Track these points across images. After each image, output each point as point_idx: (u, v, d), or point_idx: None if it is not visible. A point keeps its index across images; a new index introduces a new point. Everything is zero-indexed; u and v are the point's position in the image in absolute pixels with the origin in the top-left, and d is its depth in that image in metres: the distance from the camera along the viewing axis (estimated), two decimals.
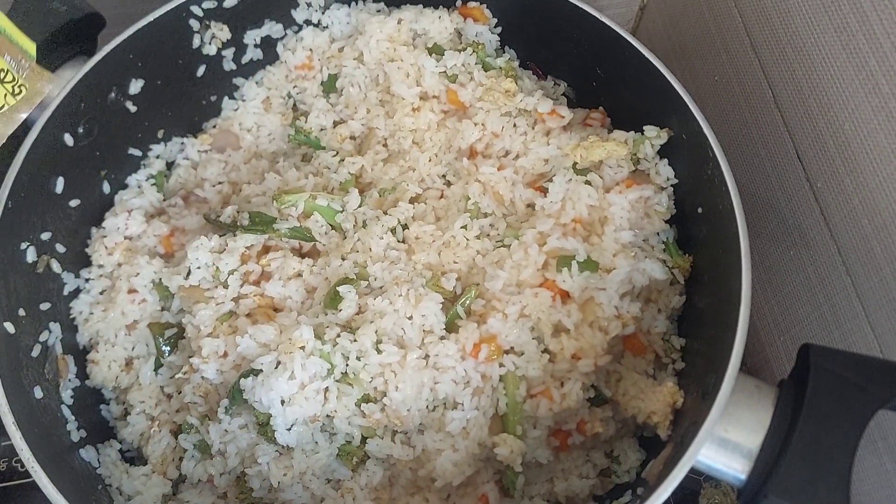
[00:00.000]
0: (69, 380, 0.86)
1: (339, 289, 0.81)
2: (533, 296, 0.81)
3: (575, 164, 0.88)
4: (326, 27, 1.03)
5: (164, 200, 0.98)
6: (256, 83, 1.04)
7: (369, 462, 0.80)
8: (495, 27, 1.01)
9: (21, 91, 0.53)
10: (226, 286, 0.85)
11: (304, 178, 0.94)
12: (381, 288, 0.83)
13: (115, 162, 0.96)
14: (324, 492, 0.80)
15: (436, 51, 0.97)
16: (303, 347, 0.77)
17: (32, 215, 0.85)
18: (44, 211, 0.86)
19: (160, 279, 0.88)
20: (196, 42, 0.97)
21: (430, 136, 0.94)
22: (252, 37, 1.01)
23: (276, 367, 0.76)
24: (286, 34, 1.02)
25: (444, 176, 0.94)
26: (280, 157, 1.02)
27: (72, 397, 0.85)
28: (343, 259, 0.86)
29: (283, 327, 0.80)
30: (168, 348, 0.87)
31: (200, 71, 0.99)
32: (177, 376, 0.85)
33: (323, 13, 1.02)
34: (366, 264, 0.85)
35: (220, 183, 1.00)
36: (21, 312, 0.81)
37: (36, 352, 0.82)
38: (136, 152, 0.99)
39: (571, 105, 1.00)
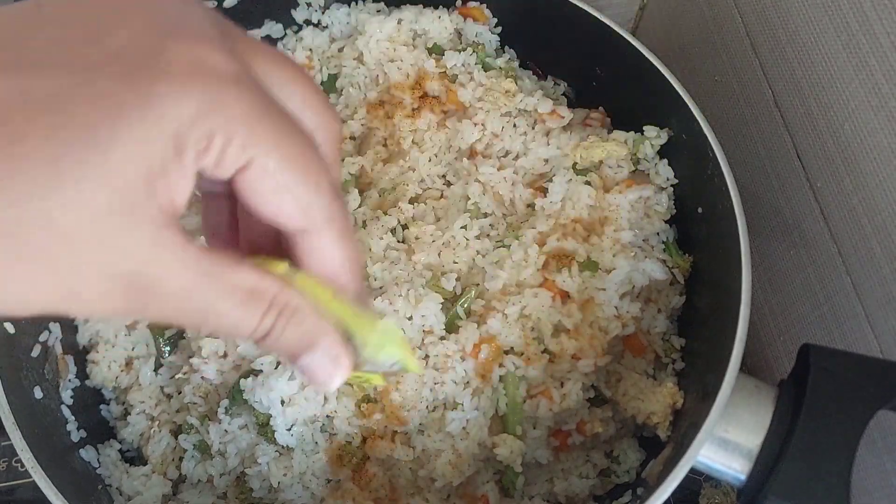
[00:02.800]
0: (69, 380, 0.86)
1: None
2: (533, 296, 0.81)
3: (575, 164, 0.88)
4: (326, 27, 1.02)
5: None
6: None
7: (369, 462, 0.80)
8: (495, 27, 1.01)
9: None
10: None
11: None
12: (380, 288, 0.83)
13: None
14: (324, 492, 0.80)
15: (436, 51, 0.97)
16: None
17: None
18: None
19: None
20: None
21: (430, 136, 0.94)
22: (252, 37, 1.00)
23: (276, 368, 0.76)
24: (286, 34, 1.02)
25: (444, 176, 0.94)
26: None
27: (72, 397, 0.85)
28: None
29: None
30: (168, 348, 0.87)
31: None
32: (177, 377, 0.85)
33: (323, 13, 1.02)
34: (365, 265, 0.85)
35: None
36: None
37: (36, 352, 0.82)
38: None
39: (571, 105, 1.00)
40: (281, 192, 0.38)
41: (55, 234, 0.32)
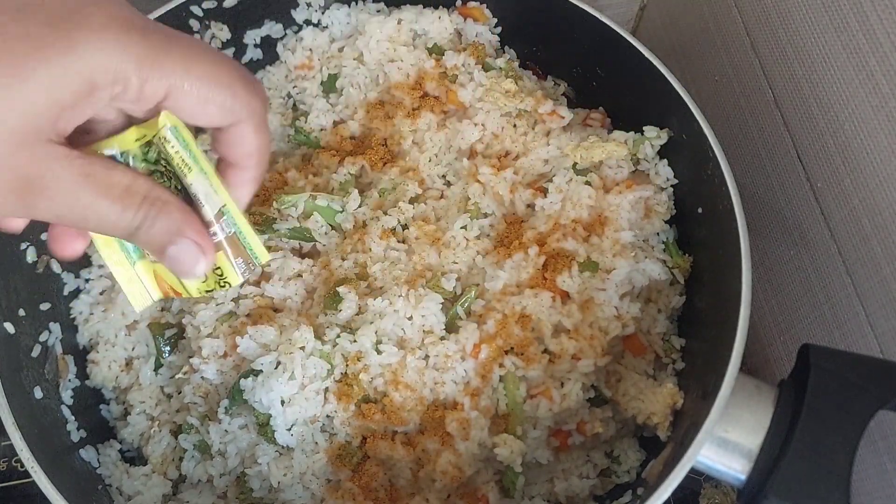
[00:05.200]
0: (69, 380, 0.86)
1: (339, 289, 0.81)
2: (533, 296, 0.81)
3: (575, 164, 0.88)
4: (326, 27, 1.02)
5: None
6: None
7: (369, 462, 0.80)
8: (495, 27, 1.01)
9: (227, 285, 0.56)
10: None
11: (304, 178, 0.94)
12: (380, 288, 0.83)
13: None
14: (324, 492, 0.80)
15: (436, 51, 0.97)
16: (303, 348, 0.77)
17: None
18: None
19: None
20: None
21: (430, 136, 0.94)
22: (252, 37, 1.00)
23: (276, 368, 0.76)
24: (286, 34, 1.02)
25: (444, 176, 0.94)
26: (280, 157, 1.02)
27: (72, 397, 0.85)
28: (343, 259, 0.86)
29: (282, 328, 0.80)
30: (168, 348, 0.87)
31: None
32: (177, 376, 0.85)
33: (323, 13, 1.02)
34: (366, 264, 0.85)
35: None
36: (21, 312, 0.81)
37: (36, 352, 0.82)
38: None
39: (571, 105, 1.00)
40: (203, 104, 0.46)
41: None
